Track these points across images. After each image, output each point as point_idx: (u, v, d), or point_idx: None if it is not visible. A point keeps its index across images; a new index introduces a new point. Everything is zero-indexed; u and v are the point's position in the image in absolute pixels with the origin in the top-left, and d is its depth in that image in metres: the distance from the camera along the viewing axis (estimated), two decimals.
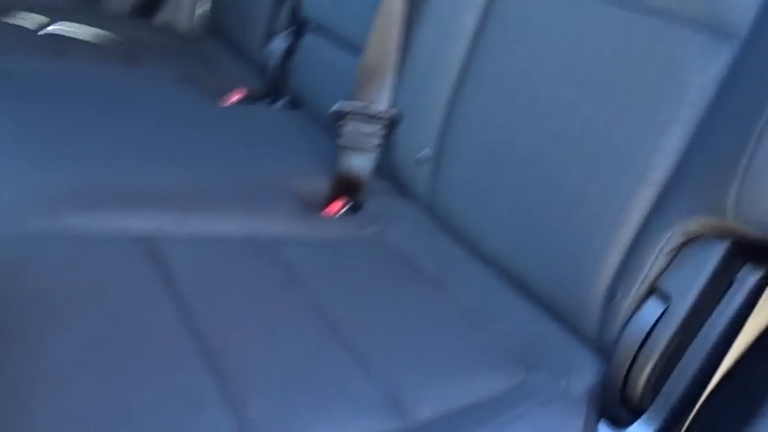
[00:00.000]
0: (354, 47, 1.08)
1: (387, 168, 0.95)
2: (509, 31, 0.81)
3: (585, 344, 0.68)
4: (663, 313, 0.60)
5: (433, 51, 0.90)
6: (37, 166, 0.84)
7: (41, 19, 1.54)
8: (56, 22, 1.53)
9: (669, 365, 0.60)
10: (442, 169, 0.86)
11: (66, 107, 1.03)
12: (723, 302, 0.58)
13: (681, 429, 0.58)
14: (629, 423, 0.60)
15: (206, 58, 1.59)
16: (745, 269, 0.59)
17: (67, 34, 1.53)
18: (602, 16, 0.71)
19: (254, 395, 0.56)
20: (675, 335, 0.60)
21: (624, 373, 0.61)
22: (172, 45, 1.63)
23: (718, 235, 0.59)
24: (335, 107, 0.93)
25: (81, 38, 1.53)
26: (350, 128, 0.93)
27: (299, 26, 1.33)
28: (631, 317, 0.62)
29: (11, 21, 1.51)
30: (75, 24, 1.55)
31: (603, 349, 0.65)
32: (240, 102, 1.30)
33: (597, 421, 0.62)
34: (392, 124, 0.92)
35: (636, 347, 0.61)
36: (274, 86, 1.35)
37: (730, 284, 0.59)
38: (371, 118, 0.93)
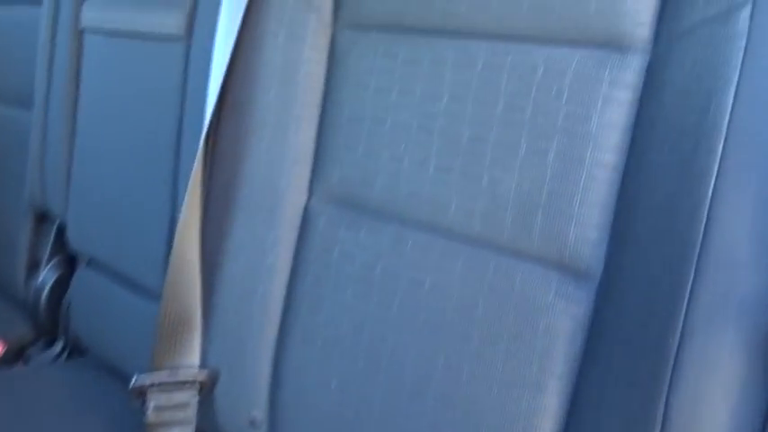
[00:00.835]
0: (145, 290, 0.92)
1: None
2: (330, 270, 0.72)
3: None
4: None
5: (244, 293, 0.78)
6: None
7: None
8: None
9: None
10: None
11: None
12: None
13: None
14: None
15: None
16: None
17: None
18: (444, 254, 0.64)
19: None
20: None
21: None
22: None
23: None
24: (134, 382, 0.76)
25: None
26: (156, 401, 0.76)
27: (69, 257, 1.14)
28: None
29: None
30: None
31: None
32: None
33: None
34: (208, 387, 0.77)
35: None
36: (45, 330, 1.13)
37: None
38: (182, 384, 0.77)
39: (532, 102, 0.59)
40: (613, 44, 0.56)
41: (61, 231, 1.14)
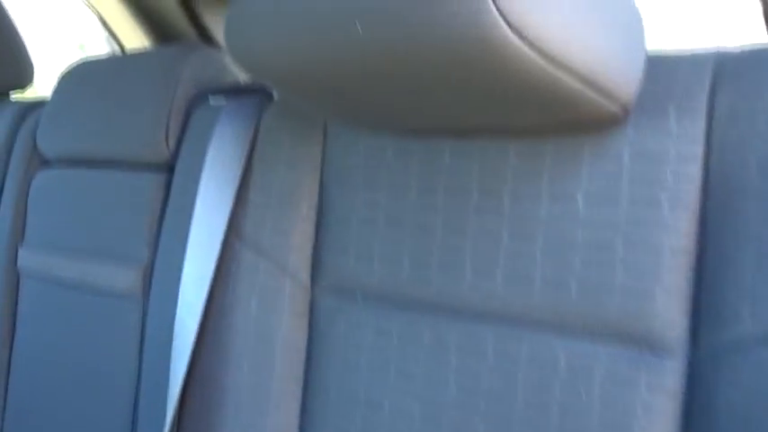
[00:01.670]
0: None
1: None
2: None
3: None
4: None
5: None
6: None
7: None
8: None
9: None
10: None
11: None
12: None
13: None
14: None
15: None
16: None
17: None
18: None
19: None
20: None
21: None
22: None
23: None
24: None
25: None
26: None
27: None
28: None
29: None
30: None
31: None
32: None
33: None
34: None
35: None
36: None
37: None
38: None
39: (558, 404, 0.53)
40: (644, 344, 0.51)
41: None
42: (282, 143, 0.69)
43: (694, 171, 0.50)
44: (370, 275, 0.63)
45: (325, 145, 0.67)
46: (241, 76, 0.98)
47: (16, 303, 0.95)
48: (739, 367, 0.46)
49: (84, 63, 0.93)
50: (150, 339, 0.78)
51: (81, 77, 0.91)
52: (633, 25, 0.49)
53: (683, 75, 0.52)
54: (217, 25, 1.86)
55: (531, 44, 0.40)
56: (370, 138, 0.65)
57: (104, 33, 1.88)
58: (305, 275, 0.68)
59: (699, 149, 0.50)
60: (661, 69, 0.53)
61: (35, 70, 1.17)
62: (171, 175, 0.81)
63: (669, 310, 0.49)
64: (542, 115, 0.50)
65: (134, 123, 0.82)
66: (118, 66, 0.89)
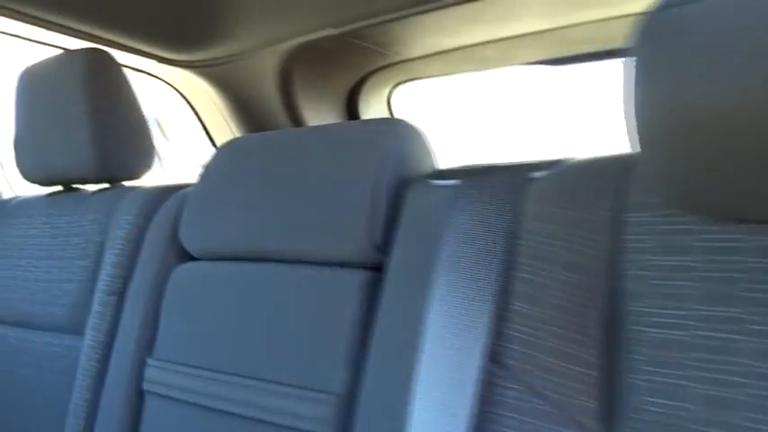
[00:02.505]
0: None
1: None
2: None
3: None
4: None
5: None
6: None
7: None
8: None
9: None
10: None
11: None
12: None
13: None
14: None
15: None
16: None
17: None
18: None
19: None
20: None
21: None
22: None
23: None
24: None
25: None
26: None
27: None
28: None
29: None
30: None
31: None
32: None
33: None
34: None
35: None
36: None
37: None
38: None
39: None
40: None
41: None
42: (558, 236, 0.51)
43: None
44: None
45: (619, 242, 0.50)
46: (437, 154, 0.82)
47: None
48: None
49: (237, 141, 0.78)
50: None
51: (236, 157, 0.76)
52: None
53: None
54: (311, 113, 1.74)
55: None
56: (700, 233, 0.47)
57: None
58: (593, 424, 0.48)
59: None
60: None
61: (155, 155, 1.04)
62: (377, 273, 0.63)
63: None
64: None
65: (321, 210, 0.65)
66: (283, 142, 0.73)
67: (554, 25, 1.37)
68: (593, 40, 1.41)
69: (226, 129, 1.78)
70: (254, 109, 1.70)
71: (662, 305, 0.45)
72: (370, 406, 0.54)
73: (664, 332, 0.44)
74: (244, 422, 0.63)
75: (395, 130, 0.67)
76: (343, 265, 0.64)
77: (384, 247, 0.63)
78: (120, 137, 0.96)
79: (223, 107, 1.73)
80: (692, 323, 0.45)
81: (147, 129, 1.00)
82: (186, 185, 0.87)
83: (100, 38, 1.44)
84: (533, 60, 1.59)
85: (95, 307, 0.83)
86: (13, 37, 1.42)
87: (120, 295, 0.81)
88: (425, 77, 1.74)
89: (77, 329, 0.88)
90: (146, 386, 0.72)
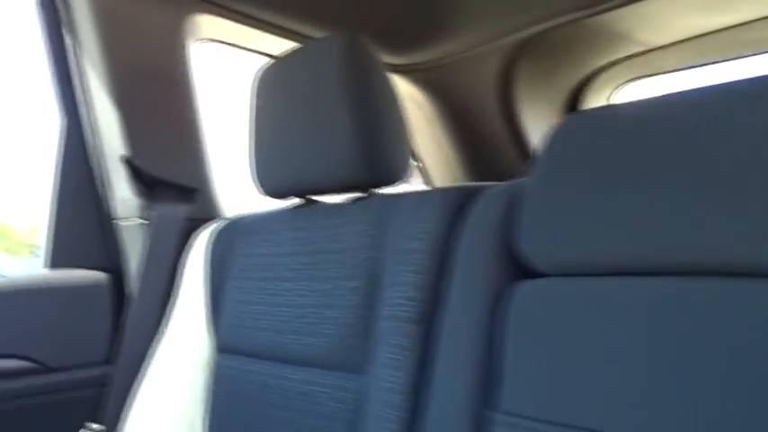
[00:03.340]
0: None
1: None
2: None
3: None
4: None
5: None
6: None
7: None
8: None
9: None
10: None
11: None
12: None
13: None
14: None
15: None
16: None
17: None
18: None
19: None
20: None
21: None
22: None
23: None
24: None
25: None
26: None
27: None
28: None
29: None
30: None
31: None
32: None
33: None
34: None
35: None
36: None
37: None
38: None
39: None
40: None
41: None
42: None
43: None
44: None
45: None
46: None
47: None
48: None
49: (583, 116, 0.58)
50: None
51: (586, 136, 0.56)
52: None
53: None
54: (529, 117, 1.56)
55: None
56: None
57: None
58: None
59: None
60: None
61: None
62: None
63: None
64: None
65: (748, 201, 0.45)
66: (659, 109, 0.54)
67: None
68: None
69: (429, 135, 1.62)
70: (467, 113, 1.53)
71: None
72: None
73: None
74: None
75: None
76: None
77: None
78: (381, 135, 0.81)
79: (430, 112, 1.58)
80: None
81: (406, 127, 0.85)
82: (491, 184, 0.69)
83: (309, 38, 1.34)
84: None
85: (391, 338, 0.66)
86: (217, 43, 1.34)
87: (428, 323, 0.64)
88: (664, 72, 1.50)
89: (349, 366, 0.73)
90: None
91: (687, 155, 0.49)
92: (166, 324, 1.05)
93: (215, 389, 0.93)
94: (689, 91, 0.52)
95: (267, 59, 1.00)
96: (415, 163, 1.64)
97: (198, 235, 1.07)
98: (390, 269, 0.71)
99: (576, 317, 0.53)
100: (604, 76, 1.50)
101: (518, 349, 0.55)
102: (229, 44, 1.34)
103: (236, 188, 1.24)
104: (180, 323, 1.03)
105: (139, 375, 1.04)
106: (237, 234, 0.99)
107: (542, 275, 0.57)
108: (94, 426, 1.06)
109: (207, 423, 0.93)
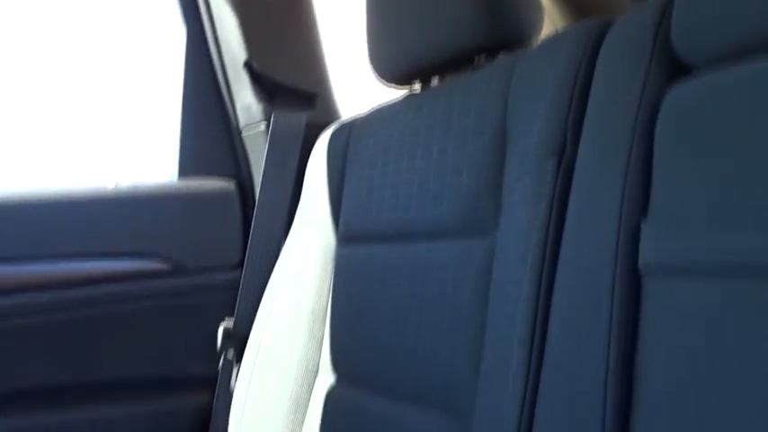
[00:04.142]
0: None
1: None
2: None
3: None
4: None
5: None
6: None
7: None
8: None
9: None
10: None
11: None
12: None
13: None
14: None
15: None
16: None
17: None
18: None
19: None
20: None
21: None
22: None
23: None
24: None
25: None
26: None
27: None
28: None
29: None
30: None
31: None
32: None
33: None
34: None
35: None
36: None
37: None
38: None
39: None
40: None
41: None
42: None
43: None
44: None
45: None
46: None
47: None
48: None
49: None
50: None
51: None
52: None
53: None
54: None
55: None
56: None
57: None
58: None
59: None
60: None
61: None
62: None
63: None
64: None
65: None
66: None
67: None
68: None
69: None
70: None
71: None
72: None
73: None
74: None
75: None
76: None
77: None
78: None
79: None
80: None
81: None
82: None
83: None
84: None
85: (521, 195, 0.59)
86: None
87: (559, 174, 0.57)
88: None
89: (476, 231, 0.68)
90: (642, 262, 0.46)
91: None
92: (292, 226, 1.05)
93: (341, 278, 0.92)
94: None
95: None
96: None
97: (318, 138, 1.05)
98: (519, 124, 0.64)
99: (738, 113, 0.43)
100: None
101: (670, 167, 0.47)
102: None
103: (355, 91, 1.21)
104: (304, 223, 1.02)
105: (268, 275, 1.05)
106: (357, 130, 0.95)
107: (696, 74, 0.48)
108: (228, 324, 1.09)
109: (334, 312, 0.92)
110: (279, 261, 1.04)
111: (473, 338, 0.66)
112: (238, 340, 1.07)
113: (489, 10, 0.73)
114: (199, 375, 1.10)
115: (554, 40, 0.67)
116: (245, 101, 1.19)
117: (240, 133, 1.21)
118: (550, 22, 1.48)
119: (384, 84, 0.94)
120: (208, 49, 1.20)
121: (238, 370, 1.05)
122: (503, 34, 0.74)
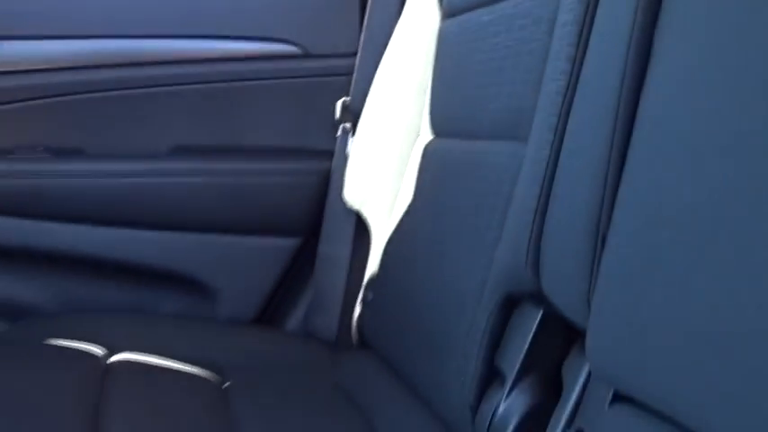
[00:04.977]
0: None
1: None
2: None
3: None
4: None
5: None
6: None
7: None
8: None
9: None
10: None
11: None
12: None
13: None
14: None
15: (347, 407, 0.96)
16: None
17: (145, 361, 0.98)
18: None
19: None
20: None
21: None
22: (297, 382, 1.02)
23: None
24: None
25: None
26: None
27: (550, 372, 0.69)
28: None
29: None
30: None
31: None
32: None
33: None
34: None
35: None
36: None
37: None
38: None
39: None
40: None
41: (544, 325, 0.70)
42: None
43: None
44: None
45: None
46: None
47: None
48: None
49: None
50: None
51: None
52: None
53: None
54: None
55: None
56: None
57: None
58: None
59: None
60: None
61: None
62: None
63: None
64: None
65: None
66: None
67: None
68: None
69: None
70: None
71: None
72: None
73: None
74: None
75: None
76: None
77: None
78: None
79: None
80: None
81: None
82: None
83: None
84: None
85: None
86: None
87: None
88: None
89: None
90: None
91: None
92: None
93: (441, 50, 1.03)
94: None
95: None
96: None
97: None
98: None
99: None
100: None
101: None
102: None
103: None
104: (414, 3, 1.13)
105: (381, 58, 1.18)
106: None
107: None
108: (345, 100, 1.24)
109: (434, 81, 1.04)
110: (391, 42, 1.16)
111: (536, 79, 0.74)
112: (353, 114, 1.22)
113: None
114: (320, 146, 1.27)
115: None
116: None
117: None
118: None
119: None
120: None
121: (353, 139, 1.22)
122: None
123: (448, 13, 1.02)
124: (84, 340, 0.99)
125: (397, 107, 1.11)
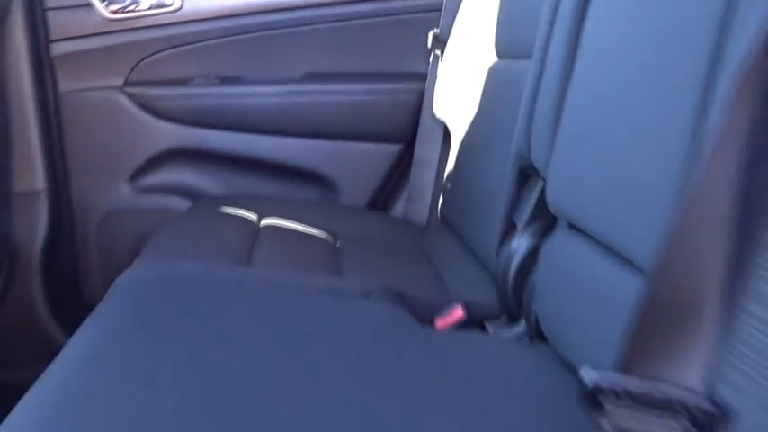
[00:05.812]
0: (628, 264, 0.70)
1: None
2: None
3: None
4: None
5: None
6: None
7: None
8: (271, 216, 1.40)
9: None
10: None
11: (243, 335, 0.80)
12: None
13: None
14: None
15: (424, 262, 1.31)
16: None
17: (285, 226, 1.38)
18: None
19: None
20: None
21: None
22: (390, 245, 1.39)
23: None
24: (589, 379, 0.53)
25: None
26: (616, 417, 0.52)
27: (547, 223, 0.99)
28: None
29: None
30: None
31: None
32: (460, 324, 0.97)
33: None
34: (710, 427, 0.50)
35: None
36: (509, 304, 1.00)
37: None
38: (661, 407, 0.52)
39: None
40: None
41: (545, 193, 0.98)
42: None
43: None
44: None
45: None
46: None
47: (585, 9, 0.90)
48: None
49: None
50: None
51: None
52: None
53: None
54: None
55: None
56: None
57: None
58: None
59: None
60: None
61: None
62: None
63: None
64: None
65: None
66: None
67: None
68: None
69: None
70: None
71: None
72: None
73: None
74: None
75: None
76: None
77: None
78: None
79: None
80: None
81: None
82: None
83: None
84: None
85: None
86: None
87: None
88: None
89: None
90: None
91: None
92: None
93: None
94: None
95: None
96: None
97: None
98: None
99: None
100: None
101: None
102: None
103: None
104: None
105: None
106: None
107: None
108: (436, 31, 1.55)
109: None
110: None
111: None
112: (443, 43, 1.54)
113: None
114: (416, 70, 1.61)
115: None
116: None
117: None
118: None
119: None
120: None
121: (442, 63, 1.54)
122: None
123: None
124: (245, 209, 1.42)
125: (474, 37, 1.41)
